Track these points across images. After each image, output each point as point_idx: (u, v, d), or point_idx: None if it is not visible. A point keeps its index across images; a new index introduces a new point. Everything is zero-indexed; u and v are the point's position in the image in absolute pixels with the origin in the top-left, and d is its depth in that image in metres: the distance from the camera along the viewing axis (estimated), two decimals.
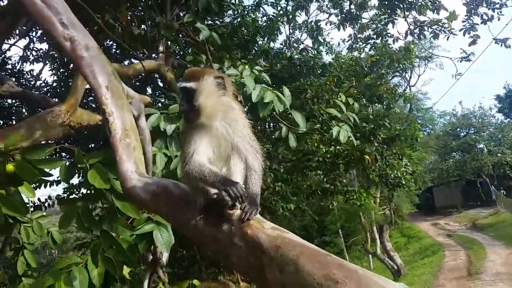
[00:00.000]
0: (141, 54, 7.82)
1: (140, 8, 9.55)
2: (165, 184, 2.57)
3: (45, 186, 10.50)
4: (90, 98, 11.90)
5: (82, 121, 6.15)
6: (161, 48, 8.24)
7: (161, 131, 4.86)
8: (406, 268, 24.14)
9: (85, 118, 6.25)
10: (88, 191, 3.28)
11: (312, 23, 14.69)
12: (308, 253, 1.68)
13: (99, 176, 2.91)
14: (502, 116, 41.99)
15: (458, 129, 41.54)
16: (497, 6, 10.73)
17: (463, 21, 11.77)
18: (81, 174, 3.34)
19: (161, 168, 4.49)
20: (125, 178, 2.70)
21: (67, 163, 3.16)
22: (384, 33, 14.80)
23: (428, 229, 34.04)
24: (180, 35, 7.72)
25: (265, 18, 13.74)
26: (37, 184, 8.52)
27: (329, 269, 1.57)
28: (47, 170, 3.26)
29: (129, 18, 7.82)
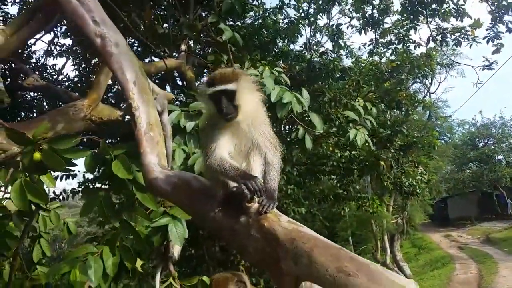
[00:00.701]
0: (163, 53, 7.99)
1: (163, 7, 9.75)
2: (186, 177, 2.69)
3: (61, 179, 10.77)
4: (110, 94, 12.15)
5: (103, 116, 6.33)
6: (183, 47, 8.41)
7: (181, 127, 5.00)
8: (416, 279, 23.88)
9: (106, 113, 6.43)
10: (107, 184, 3.43)
11: (334, 27, 14.70)
12: (322, 246, 1.77)
13: (123, 167, 3.04)
14: None
15: (477, 139, 40.89)
16: None
17: (487, 29, 11.64)
18: (100, 169, 3.47)
19: (179, 164, 4.62)
20: (148, 169, 2.82)
21: (91, 153, 3.30)
22: (406, 38, 14.73)
23: (440, 241, 33.55)
24: (202, 35, 7.87)
25: (286, 20, 13.81)
26: (59, 175, 8.77)
27: (342, 262, 1.66)
28: (72, 160, 3.42)
29: (152, 17, 8.01)
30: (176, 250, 5.18)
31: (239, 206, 2.13)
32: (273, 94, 4.86)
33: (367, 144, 5.55)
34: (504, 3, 11.12)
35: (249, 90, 2.32)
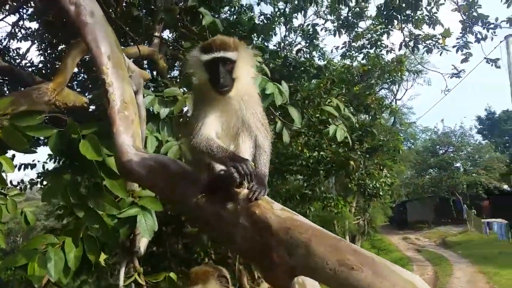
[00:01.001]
0: (137, 38, 7.62)
1: None
2: (163, 160, 2.47)
3: (19, 169, 10.12)
4: (75, 82, 11.59)
5: (68, 101, 5.94)
6: (156, 34, 8.06)
7: (154, 114, 4.72)
8: None
9: (71, 99, 6.04)
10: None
11: (309, 27, 14.70)
12: (321, 236, 1.61)
13: (92, 147, 2.75)
14: (481, 137, 43.22)
15: (438, 147, 42.39)
16: (492, 26, 10.92)
17: (457, 38, 11.94)
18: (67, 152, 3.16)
19: (151, 152, 4.35)
20: (121, 151, 2.58)
21: (57, 131, 2.99)
22: (378, 43, 14.94)
23: (398, 243, 34.53)
24: (179, 23, 7.54)
25: (262, 17, 13.70)
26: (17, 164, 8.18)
27: (343, 255, 1.51)
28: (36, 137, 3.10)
29: None
30: (142, 244, 4.90)
31: (226, 191, 1.94)
32: (256, 84, 4.64)
33: (346, 140, 5.48)
34: (475, 14, 11.41)
35: (248, 63, 2.12)
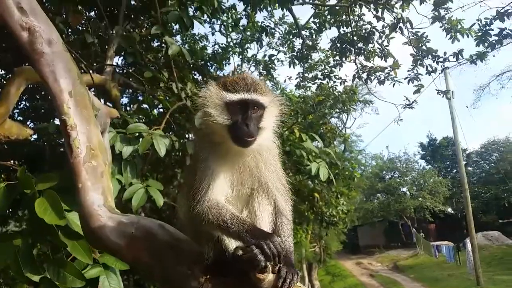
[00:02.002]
0: (92, 66, 7.01)
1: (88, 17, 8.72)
2: (148, 225, 1.97)
3: None
4: (17, 110, 10.55)
5: (10, 134, 5.19)
6: (109, 62, 7.47)
7: (116, 153, 4.15)
8: None
9: (14, 131, 5.29)
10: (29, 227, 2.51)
11: (266, 57, 14.71)
12: None
13: (52, 208, 2.19)
14: (424, 162, 45.34)
15: (384, 172, 43.87)
16: (441, 59, 11.39)
17: (408, 70, 12.36)
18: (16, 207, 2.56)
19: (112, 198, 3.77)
20: (90, 213, 2.04)
21: (5, 185, 2.38)
22: (331, 75, 15.25)
23: (352, 268, 34.78)
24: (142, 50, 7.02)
25: (216, 46, 13.57)
26: None
27: None
28: None
29: (82, 22, 7.01)
30: None
31: (245, 277, 1.49)
32: None
33: (330, 178, 5.18)
34: (424, 48, 11.88)
35: (275, 113, 1.73)
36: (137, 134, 4.32)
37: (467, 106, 45.41)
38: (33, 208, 2.19)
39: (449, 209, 39.22)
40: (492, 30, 10.23)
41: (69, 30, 7.24)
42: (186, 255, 1.75)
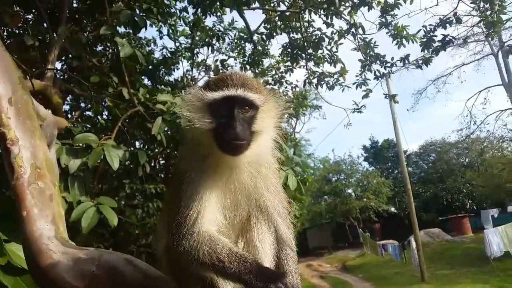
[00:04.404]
0: (31, 71, 6.35)
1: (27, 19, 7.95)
2: (112, 261, 1.63)
3: None
4: None
5: None
6: (50, 66, 6.83)
7: (61, 167, 3.67)
8: None
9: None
10: None
11: (218, 62, 14.43)
12: None
13: None
14: (367, 164, 47.06)
15: (330, 174, 44.99)
16: (389, 64, 11.74)
17: (356, 76, 12.63)
18: None
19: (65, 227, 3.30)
20: (38, 249, 1.66)
21: None
22: (282, 80, 15.31)
23: (303, 271, 35.14)
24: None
25: (165, 50, 13.10)
26: None
27: None
28: None
29: (20, 24, 6.32)
30: None
31: None
32: None
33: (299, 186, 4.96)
34: (372, 53, 12.19)
35: (273, 114, 1.45)
36: (85, 145, 3.88)
37: (407, 110, 47.80)
38: None
39: (392, 209, 40.93)
40: (436, 36, 10.68)
41: (5, 32, 6.52)
42: None
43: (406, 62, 11.91)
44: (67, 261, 1.60)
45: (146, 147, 8.47)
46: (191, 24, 11.76)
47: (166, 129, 5.43)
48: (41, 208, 1.82)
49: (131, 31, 5.99)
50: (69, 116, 8.61)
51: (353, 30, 10.89)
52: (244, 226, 1.43)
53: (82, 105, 9.20)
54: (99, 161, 4.21)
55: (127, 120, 6.02)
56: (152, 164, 9.75)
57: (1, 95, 2.07)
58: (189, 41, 14.27)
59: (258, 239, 1.40)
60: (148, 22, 6.09)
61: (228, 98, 1.36)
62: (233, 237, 1.39)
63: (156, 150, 9.06)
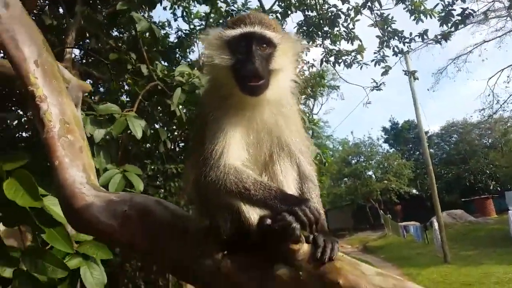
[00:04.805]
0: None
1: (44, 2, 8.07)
2: (143, 202, 1.69)
3: None
4: None
5: None
6: (69, 47, 6.95)
7: (87, 136, 3.77)
8: None
9: None
10: None
11: None
12: None
13: (24, 189, 1.86)
14: (387, 146, 46.46)
15: (350, 157, 44.67)
16: (407, 40, 11.48)
17: (374, 53, 12.40)
18: None
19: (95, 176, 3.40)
20: (72, 193, 1.74)
21: None
22: (299, 59, 15.17)
23: None
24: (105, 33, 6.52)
25: (180, 33, 13.11)
26: None
27: None
28: None
29: (38, 6, 6.43)
30: None
31: (273, 250, 1.25)
32: None
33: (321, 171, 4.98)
34: (390, 29, 11.94)
35: (292, 53, 1.47)
36: (108, 116, 3.97)
37: (428, 89, 46.84)
38: (1, 192, 1.85)
39: (414, 190, 40.47)
40: (455, 10, 10.36)
41: None
42: (193, 233, 1.49)
43: (425, 37, 11.63)
44: (100, 202, 1.67)
45: (166, 128, 8.58)
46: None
47: (184, 110, 5.50)
48: (72, 159, 1.90)
49: (146, 9, 6.04)
50: (89, 101, 8.74)
51: (369, 4, 10.64)
52: (267, 163, 1.47)
53: (101, 90, 9.33)
54: (121, 134, 4.32)
55: (146, 102, 6.08)
56: (172, 147, 9.87)
57: (28, 57, 2.15)
58: (204, 23, 14.25)
59: (281, 174, 1.44)
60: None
61: (246, 35, 1.38)
62: (257, 172, 1.42)
63: (176, 133, 9.16)
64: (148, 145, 8.36)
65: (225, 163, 1.30)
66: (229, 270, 1.31)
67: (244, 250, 1.32)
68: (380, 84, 13.91)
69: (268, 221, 1.22)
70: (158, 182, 10.11)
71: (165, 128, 8.64)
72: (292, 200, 1.23)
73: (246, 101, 1.38)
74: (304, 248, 1.23)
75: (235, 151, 1.34)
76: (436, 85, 45.13)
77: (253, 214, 1.32)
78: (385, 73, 13.01)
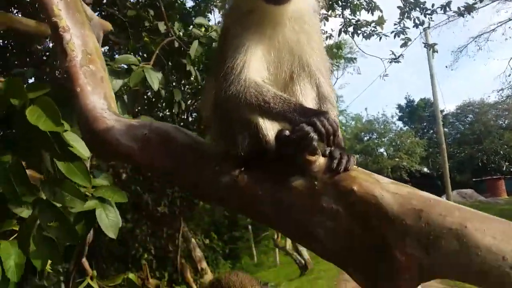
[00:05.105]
0: None
1: None
2: (163, 127, 1.74)
3: None
4: None
5: None
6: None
7: None
8: (312, 262, 24.83)
9: None
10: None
11: None
12: (478, 219, 1.04)
13: (47, 115, 1.91)
14: (401, 124, 46.02)
15: (362, 133, 44.41)
16: (429, 12, 11.17)
17: (395, 24, 12.10)
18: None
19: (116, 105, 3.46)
20: (93, 117, 1.79)
21: None
22: None
23: None
24: None
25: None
26: None
27: None
28: None
29: None
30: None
31: (289, 163, 1.28)
32: None
33: None
34: (412, 0, 11.61)
35: None
36: (126, 67, 3.99)
37: (446, 66, 45.70)
38: (24, 118, 1.91)
39: (425, 169, 40.28)
40: None
41: None
42: (211, 154, 1.53)
43: (448, 9, 11.29)
44: (121, 126, 1.71)
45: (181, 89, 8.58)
46: None
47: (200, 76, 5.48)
48: (93, 87, 1.94)
49: None
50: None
51: None
52: (287, 83, 1.48)
53: (117, 56, 9.31)
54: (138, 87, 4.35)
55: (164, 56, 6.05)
56: (185, 117, 9.90)
57: None
58: None
59: (300, 94, 1.46)
60: None
61: None
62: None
63: (189, 102, 9.13)
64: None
65: (245, 77, 1.32)
66: (245, 184, 1.35)
67: (260, 166, 1.36)
68: (399, 56, 13.65)
69: (287, 132, 1.25)
70: None
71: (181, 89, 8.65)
72: (311, 112, 1.26)
73: (269, 17, 1.38)
74: (320, 160, 1.26)
75: (255, 67, 1.36)
76: (455, 64, 44.10)
77: (270, 131, 1.35)
78: (404, 44, 12.72)
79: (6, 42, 8.16)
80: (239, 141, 1.38)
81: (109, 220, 2.85)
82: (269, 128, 1.35)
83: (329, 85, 1.52)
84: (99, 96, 1.91)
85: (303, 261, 24.92)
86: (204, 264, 14.45)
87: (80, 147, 2.22)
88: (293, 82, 1.46)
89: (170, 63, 6.38)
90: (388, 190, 1.14)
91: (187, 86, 8.67)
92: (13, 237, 2.49)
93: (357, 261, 1.16)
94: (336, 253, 1.21)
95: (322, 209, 1.19)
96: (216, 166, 1.46)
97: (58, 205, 2.15)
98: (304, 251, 25.70)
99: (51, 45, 7.13)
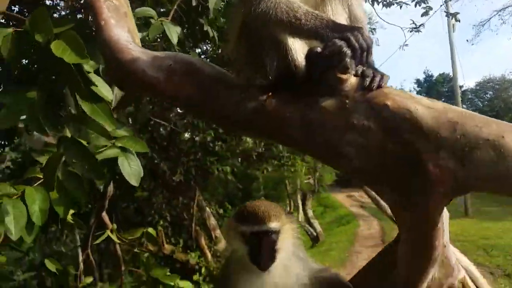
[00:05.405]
0: None
1: None
2: (188, 59, 1.72)
3: None
4: None
5: None
6: None
7: None
8: (324, 235, 25.08)
9: None
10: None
11: None
12: None
13: (71, 48, 1.90)
14: None
15: None
16: None
17: None
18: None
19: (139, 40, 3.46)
20: (118, 48, 1.77)
21: (13, 31, 2.06)
22: None
23: (344, 201, 35.74)
24: None
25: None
26: None
27: None
28: None
29: None
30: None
31: (320, 81, 1.25)
32: None
33: None
34: None
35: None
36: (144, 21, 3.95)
37: (467, 40, 44.34)
38: (48, 53, 1.90)
39: None
40: None
41: None
42: (237, 84, 1.51)
43: None
44: (146, 57, 1.70)
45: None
46: None
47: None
48: (117, 20, 1.92)
49: None
50: None
51: None
52: (317, 3, 1.43)
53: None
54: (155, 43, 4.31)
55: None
56: None
57: None
58: None
59: (332, 14, 1.41)
60: None
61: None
62: None
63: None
64: None
65: None
66: (273, 108, 1.33)
67: (289, 89, 1.33)
68: (420, 25, 13.27)
69: (318, 49, 1.22)
70: (185, 121, 10.30)
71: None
72: (344, 28, 1.22)
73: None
74: (351, 80, 1.23)
75: None
76: (476, 38, 42.71)
77: (300, 54, 1.32)
78: (425, 13, 12.32)
79: None
80: (267, 63, 1.35)
81: (131, 169, 2.88)
82: (299, 51, 1.32)
83: (362, 8, 1.47)
84: (123, 30, 1.89)
85: (315, 233, 25.23)
86: (218, 232, 14.73)
87: (104, 89, 2.23)
88: (324, 2, 1.41)
89: (186, 25, 6.32)
90: (423, 105, 1.11)
91: (202, 56, 8.63)
92: (37, 183, 2.54)
93: (390, 177, 1.14)
94: (368, 171, 1.20)
95: (353, 127, 1.16)
96: (242, 93, 1.45)
97: (84, 142, 2.18)
98: (316, 223, 26.00)
99: None
